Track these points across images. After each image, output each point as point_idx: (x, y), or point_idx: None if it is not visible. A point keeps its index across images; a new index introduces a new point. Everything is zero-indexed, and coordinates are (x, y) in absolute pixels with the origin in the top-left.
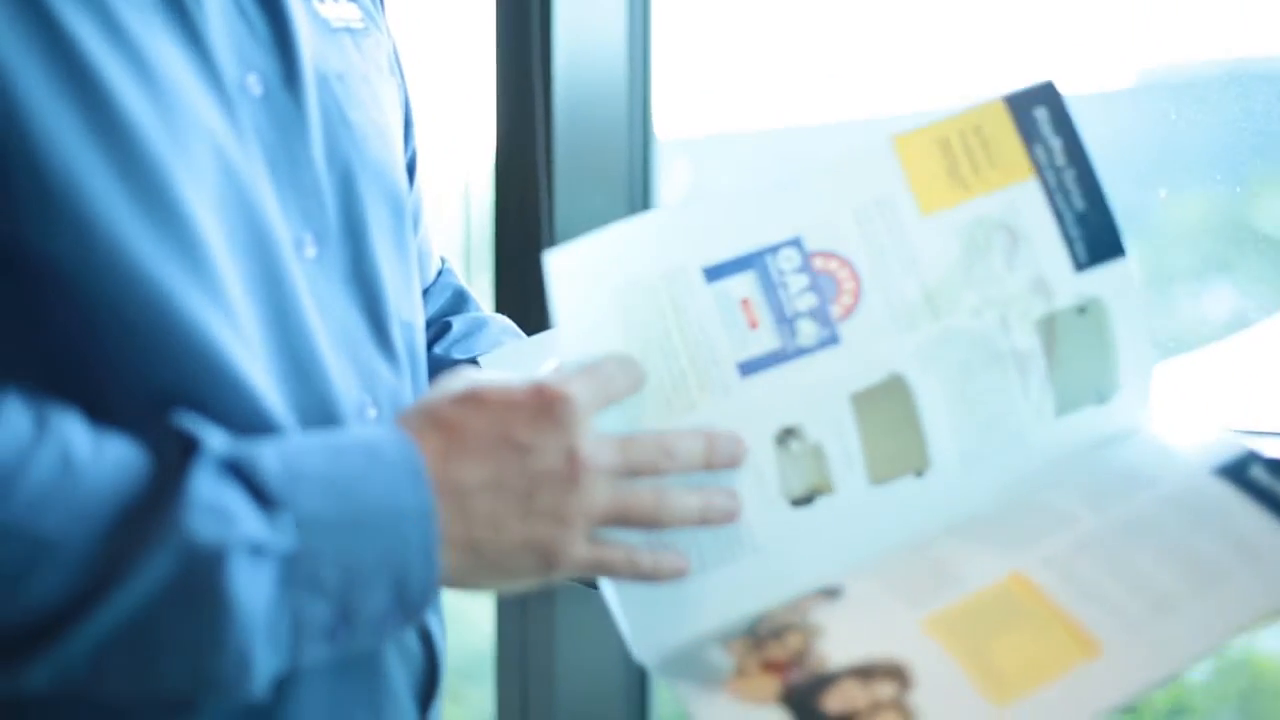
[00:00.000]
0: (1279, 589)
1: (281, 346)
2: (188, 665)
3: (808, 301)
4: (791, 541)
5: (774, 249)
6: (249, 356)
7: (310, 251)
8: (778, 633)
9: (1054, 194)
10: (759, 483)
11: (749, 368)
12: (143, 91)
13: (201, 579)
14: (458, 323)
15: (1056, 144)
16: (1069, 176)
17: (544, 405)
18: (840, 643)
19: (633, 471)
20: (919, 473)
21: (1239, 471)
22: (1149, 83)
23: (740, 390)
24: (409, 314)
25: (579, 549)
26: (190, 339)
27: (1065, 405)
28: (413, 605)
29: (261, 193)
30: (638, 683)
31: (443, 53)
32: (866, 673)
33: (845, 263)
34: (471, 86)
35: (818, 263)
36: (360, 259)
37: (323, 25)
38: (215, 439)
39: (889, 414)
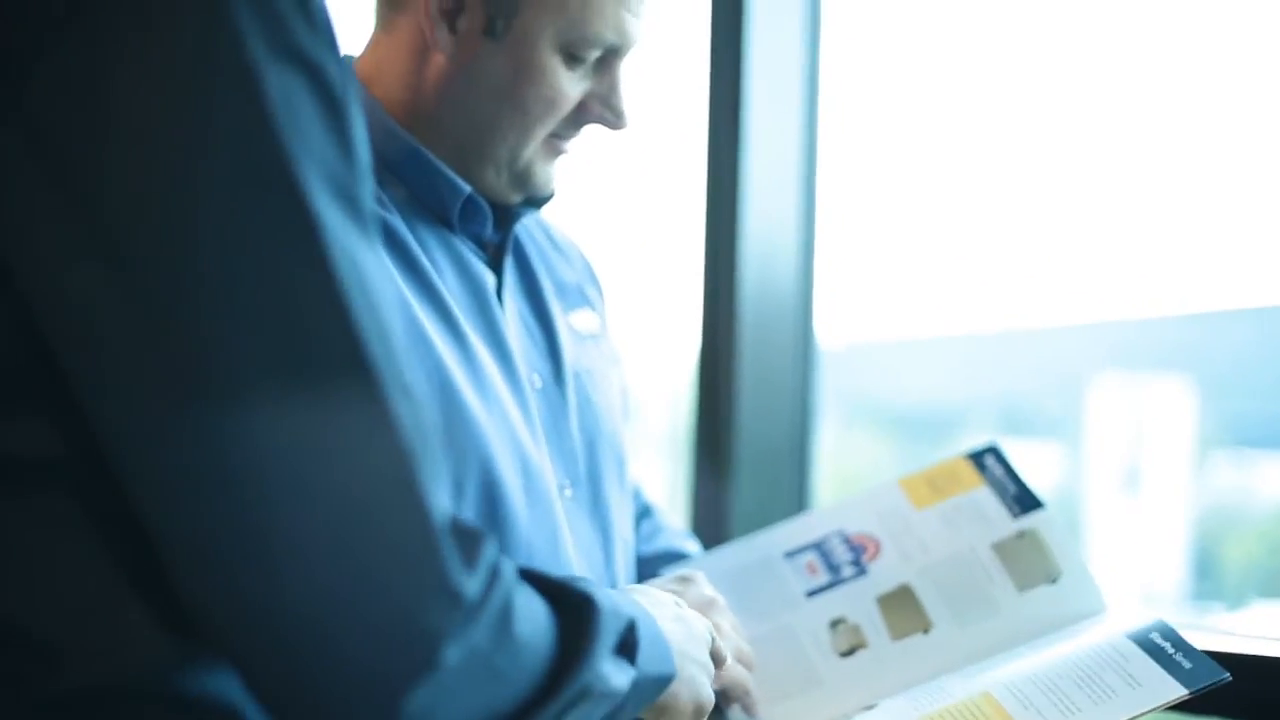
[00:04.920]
0: (1142, 705)
1: (548, 557)
2: None
3: (847, 557)
4: (842, 677)
5: (827, 538)
6: (527, 562)
7: (568, 493)
8: None
9: (995, 488)
10: (819, 646)
11: (811, 593)
12: (476, 392)
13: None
14: (644, 526)
15: (998, 468)
16: (1006, 479)
17: (685, 577)
18: None
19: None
20: (926, 631)
21: (1144, 635)
22: None
23: (805, 604)
24: (627, 532)
25: (709, 690)
26: None
27: (1023, 585)
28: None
29: (540, 454)
30: None
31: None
32: None
33: (871, 536)
34: (675, 319)
35: (854, 539)
36: (597, 498)
37: (575, 334)
38: (609, 616)
39: (901, 603)
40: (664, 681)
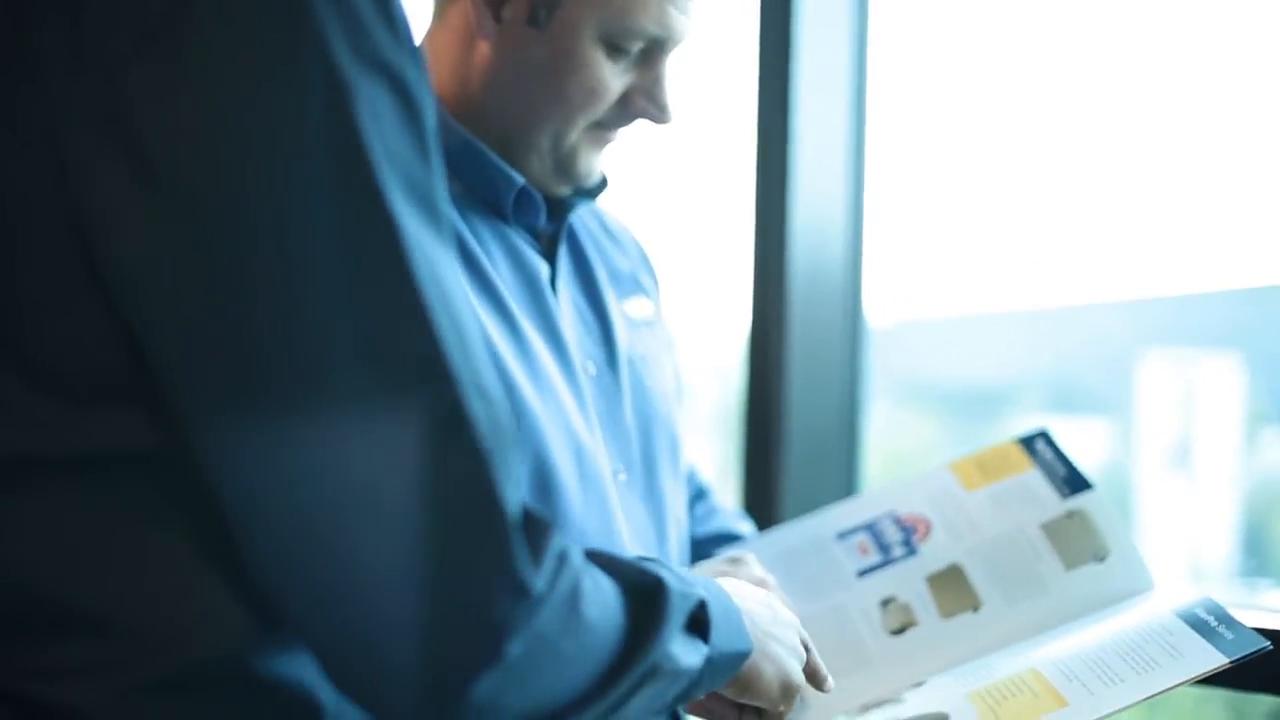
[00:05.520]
0: (1183, 675)
1: (601, 541)
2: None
3: (898, 537)
4: (893, 655)
5: (878, 519)
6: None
7: (622, 477)
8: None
9: (1045, 471)
10: (870, 625)
11: (863, 573)
12: (531, 381)
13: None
14: (698, 508)
15: (1048, 452)
16: (1055, 462)
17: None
18: (912, 706)
19: None
20: (975, 609)
21: (1189, 611)
22: None
23: (857, 584)
24: (680, 514)
25: (799, 672)
26: None
27: (1071, 563)
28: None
29: (594, 443)
30: None
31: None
32: (923, 718)
33: (922, 517)
34: (726, 298)
35: (905, 519)
36: (651, 481)
37: (629, 321)
38: (678, 596)
39: (951, 582)
40: (740, 657)
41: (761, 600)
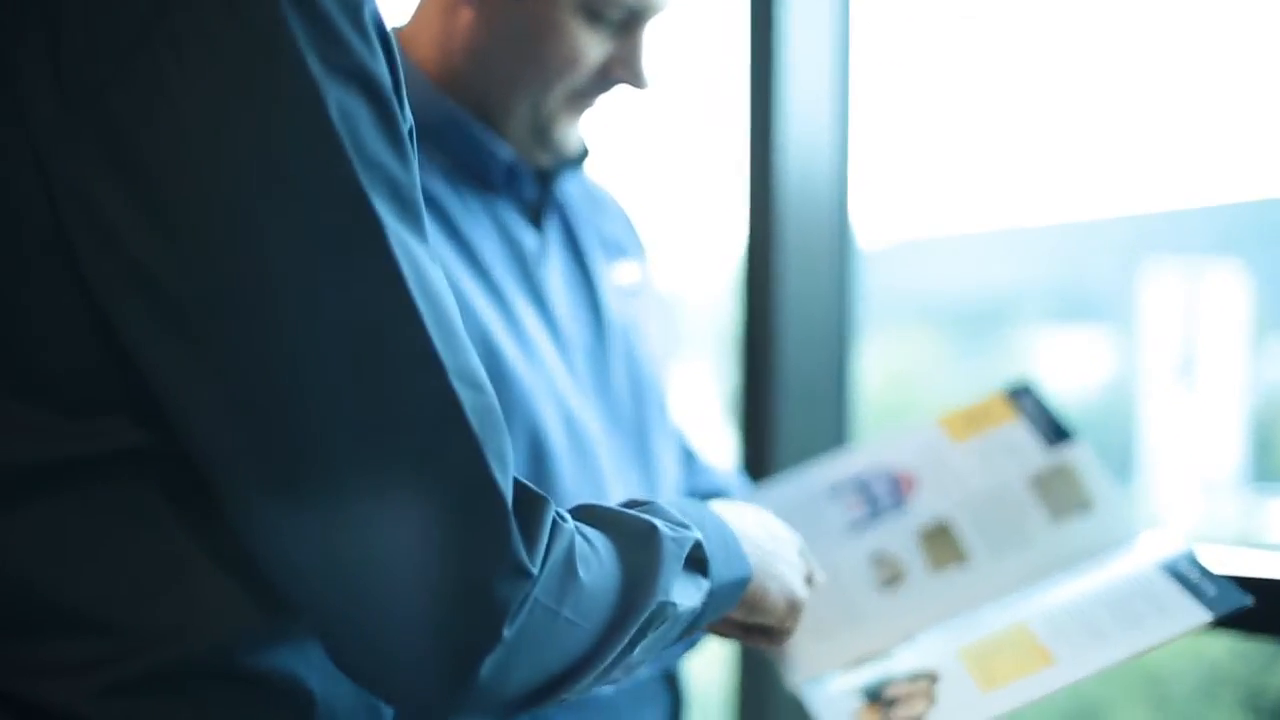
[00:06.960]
0: (1170, 631)
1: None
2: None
3: (887, 491)
4: (883, 609)
5: (867, 473)
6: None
7: (614, 444)
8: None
9: (1030, 423)
10: (861, 579)
11: (853, 528)
12: (521, 352)
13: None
14: (688, 468)
15: (1033, 404)
16: (1039, 413)
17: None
18: (903, 662)
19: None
20: (963, 563)
21: (1173, 564)
22: None
23: (847, 539)
24: (672, 477)
25: (802, 586)
26: None
27: (1057, 516)
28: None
29: (584, 408)
30: None
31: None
32: (914, 676)
33: (910, 471)
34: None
35: (894, 474)
36: (643, 446)
37: (617, 287)
38: (671, 542)
39: (939, 536)
40: (742, 583)
41: (757, 520)
